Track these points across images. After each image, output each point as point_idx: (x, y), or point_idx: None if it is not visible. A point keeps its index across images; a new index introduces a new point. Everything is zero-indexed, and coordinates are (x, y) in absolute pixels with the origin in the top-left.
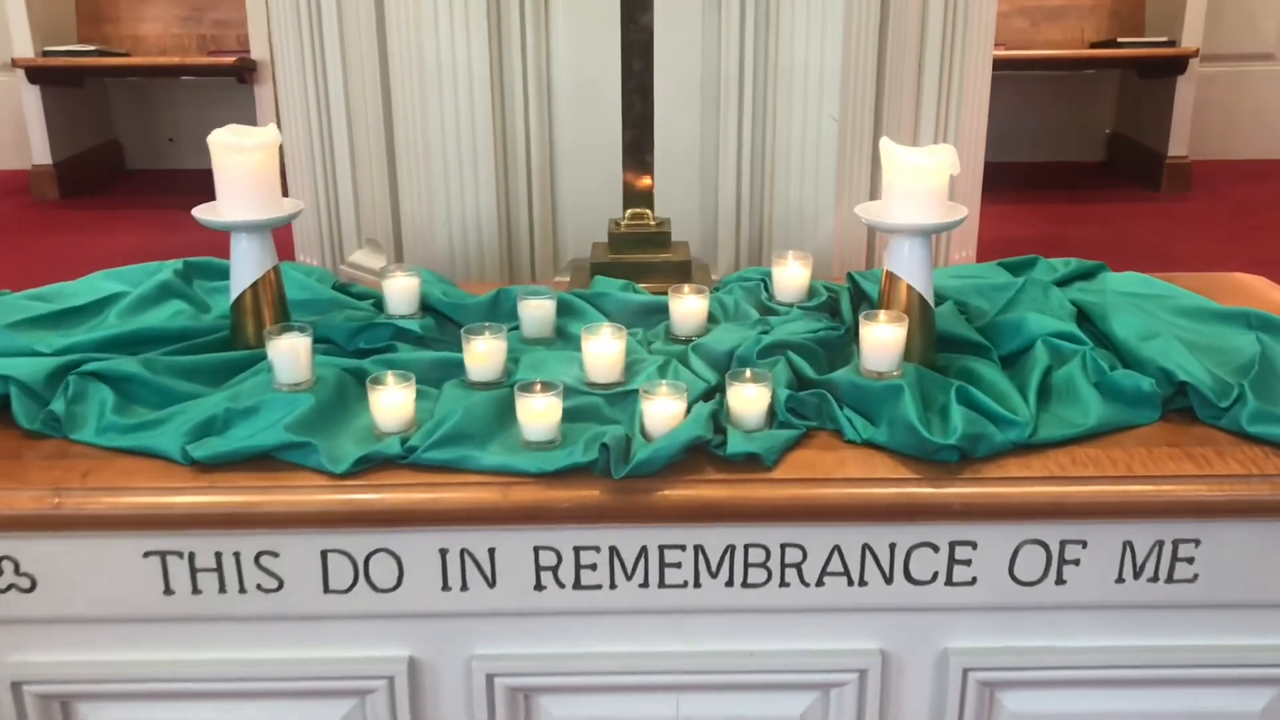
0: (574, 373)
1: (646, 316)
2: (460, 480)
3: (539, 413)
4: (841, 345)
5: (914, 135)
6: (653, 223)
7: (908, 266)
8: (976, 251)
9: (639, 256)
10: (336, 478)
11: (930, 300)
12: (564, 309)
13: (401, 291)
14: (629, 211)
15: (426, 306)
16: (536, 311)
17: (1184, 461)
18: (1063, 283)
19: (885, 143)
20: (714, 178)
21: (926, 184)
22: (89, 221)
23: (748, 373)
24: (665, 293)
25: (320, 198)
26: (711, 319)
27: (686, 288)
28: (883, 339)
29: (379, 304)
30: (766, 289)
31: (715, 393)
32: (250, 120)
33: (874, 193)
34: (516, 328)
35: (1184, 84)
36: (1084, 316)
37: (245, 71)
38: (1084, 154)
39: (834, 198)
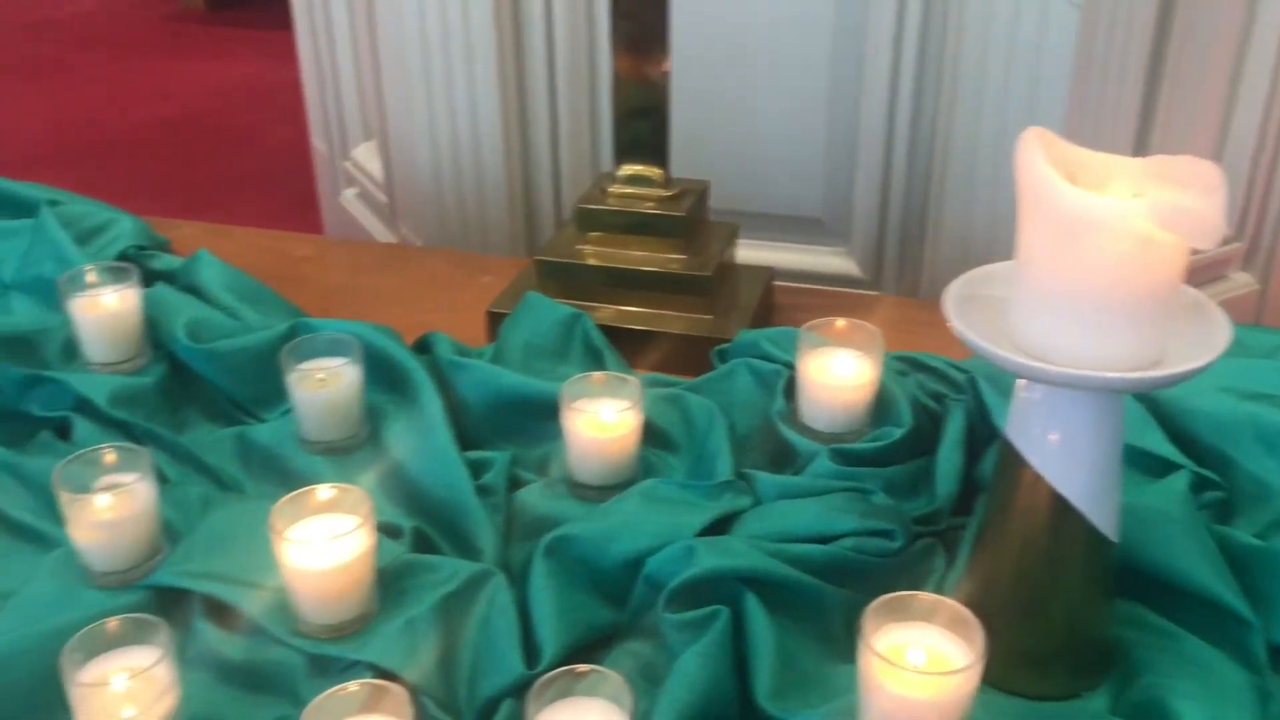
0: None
1: (540, 423)
2: None
3: None
4: (900, 571)
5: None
6: (666, 193)
7: (1060, 455)
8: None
9: (626, 256)
10: None
11: (1114, 533)
12: (388, 378)
13: (103, 319)
14: (623, 169)
15: (161, 346)
16: (316, 395)
17: None
18: None
19: (1028, 143)
20: (853, 98)
21: (1130, 270)
22: (235, 42)
23: (580, 669)
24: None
25: None
26: (661, 443)
27: (595, 376)
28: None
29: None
30: (789, 385)
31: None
32: None
33: (1145, 138)
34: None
35: None
36: None
37: None
38: None
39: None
